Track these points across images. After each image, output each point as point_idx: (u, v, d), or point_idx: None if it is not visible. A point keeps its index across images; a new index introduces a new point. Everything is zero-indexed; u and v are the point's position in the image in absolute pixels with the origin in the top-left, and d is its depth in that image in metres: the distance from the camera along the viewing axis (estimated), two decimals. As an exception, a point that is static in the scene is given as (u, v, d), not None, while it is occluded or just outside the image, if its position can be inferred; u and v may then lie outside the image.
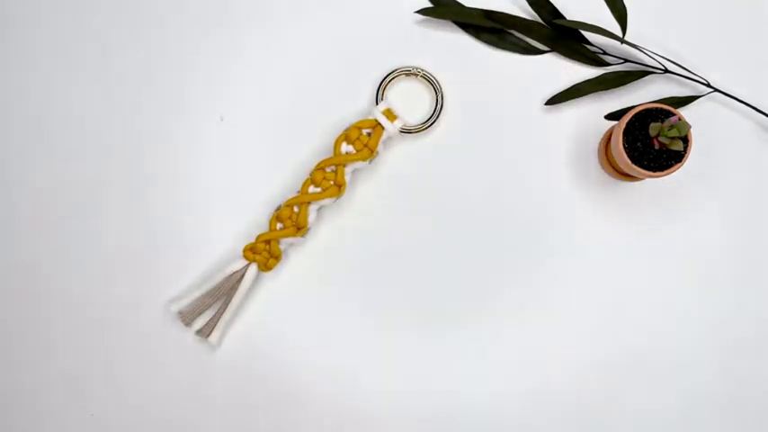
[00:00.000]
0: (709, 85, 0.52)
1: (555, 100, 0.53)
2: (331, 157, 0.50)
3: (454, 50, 0.54)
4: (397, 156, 0.53)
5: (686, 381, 0.52)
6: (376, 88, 0.52)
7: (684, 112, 0.50)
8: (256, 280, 0.52)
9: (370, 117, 0.50)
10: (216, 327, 0.51)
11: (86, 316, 0.53)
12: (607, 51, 0.53)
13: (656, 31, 0.53)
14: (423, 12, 0.53)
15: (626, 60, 0.53)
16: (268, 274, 0.52)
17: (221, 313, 0.51)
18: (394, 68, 0.52)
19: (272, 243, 0.50)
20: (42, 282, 0.53)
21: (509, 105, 0.53)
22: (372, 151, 0.50)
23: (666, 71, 0.52)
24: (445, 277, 0.53)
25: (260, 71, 0.53)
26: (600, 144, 0.53)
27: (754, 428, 0.52)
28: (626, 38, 0.52)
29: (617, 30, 0.51)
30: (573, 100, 0.53)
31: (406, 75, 0.52)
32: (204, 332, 0.51)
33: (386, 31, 0.54)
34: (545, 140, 0.53)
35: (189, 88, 0.54)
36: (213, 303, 0.51)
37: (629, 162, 0.47)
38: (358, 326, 0.53)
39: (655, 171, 0.47)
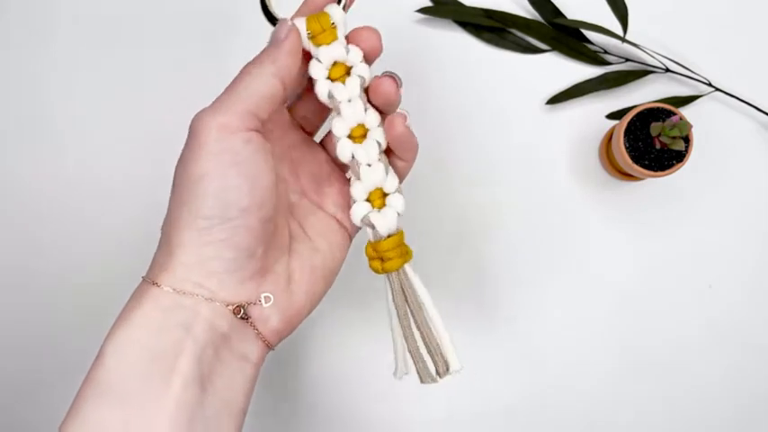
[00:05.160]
0: (710, 85, 0.52)
1: (556, 99, 0.53)
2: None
3: (454, 49, 0.54)
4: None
5: (689, 380, 0.52)
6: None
7: (685, 112, 0.50)
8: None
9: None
10: (445, 350, 0.34)
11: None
12: (608, 50, 0.53)
13: (658, 30, 0.53)
14: (423, 11, 0.53)
15: (627, 60, 0.53)
16: None
17: (431, 335, 0.35)
18: None
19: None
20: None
21: (510, 104, 0.53)
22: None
23: (668, 70, 0.52)
24: (443, 276, 0.53)
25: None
26: (601, 143, 0.53)
27: (756, 425, 0.52)
28: (627, 37, 0.52)
29: (618, 29, 0.51)
30: (574, 99, 0.53)
31: None
32: (440, 367, 0.34)
33: (386, 29, 0.54)
34: (546, 140, 0.53)
35: (189, 87, 0.54)
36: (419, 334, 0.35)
37: (630, 162, 0.47)
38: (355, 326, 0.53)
39: (656, 171, 0.47)
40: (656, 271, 0.53)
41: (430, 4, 0.54)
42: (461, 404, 0.53)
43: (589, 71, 0.53)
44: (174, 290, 0.30)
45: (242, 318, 0.31)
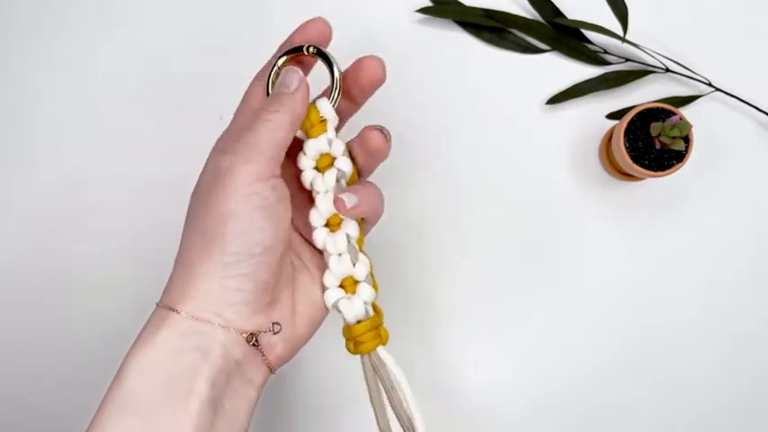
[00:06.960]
0: (710, 85, 0.52)
1: (556, 99, 0.53)
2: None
3: (454, 49, 0.54)
4: (398, 157, 0.53)
5: (687, 380, 0.52)
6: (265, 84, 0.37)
7: (685, 112, 0.50)
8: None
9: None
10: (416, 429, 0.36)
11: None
12: (608, 50, 0.53)
13: (658, 30, 0.53)
14: (423, 11, 0.53)
15: (627, 60, 0.53)
16: None
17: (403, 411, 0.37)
18: (278, 55, 0.37)
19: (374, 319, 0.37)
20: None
21: (509, 105, 0.53)
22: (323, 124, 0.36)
23: (668, 70, 0.52)
24: (443, 276, 0.53)
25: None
26: (601, 144, 0.53)
27: (756, 425, 0.52)
28: (627, 37, 0.52)
29: (618, 29, 0.51)
30: (574, 99, 0.53)
31: (292, 57, 0.37)
32: None
33: (386, 29, 0.54)
34: (546, 140, 0.53)
35: (188, 87, 0.54)
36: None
37: (630, 162, 0.47)
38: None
39: (656, 171, 0.47)
40: (655, 271, 0.53)
41: (430, 4, 0.54)
42: (460, 403, 0.53)
43: (589, 71, 0.53)
44: (193, 317, 0.32)
45: (253, 345, 0.33)
